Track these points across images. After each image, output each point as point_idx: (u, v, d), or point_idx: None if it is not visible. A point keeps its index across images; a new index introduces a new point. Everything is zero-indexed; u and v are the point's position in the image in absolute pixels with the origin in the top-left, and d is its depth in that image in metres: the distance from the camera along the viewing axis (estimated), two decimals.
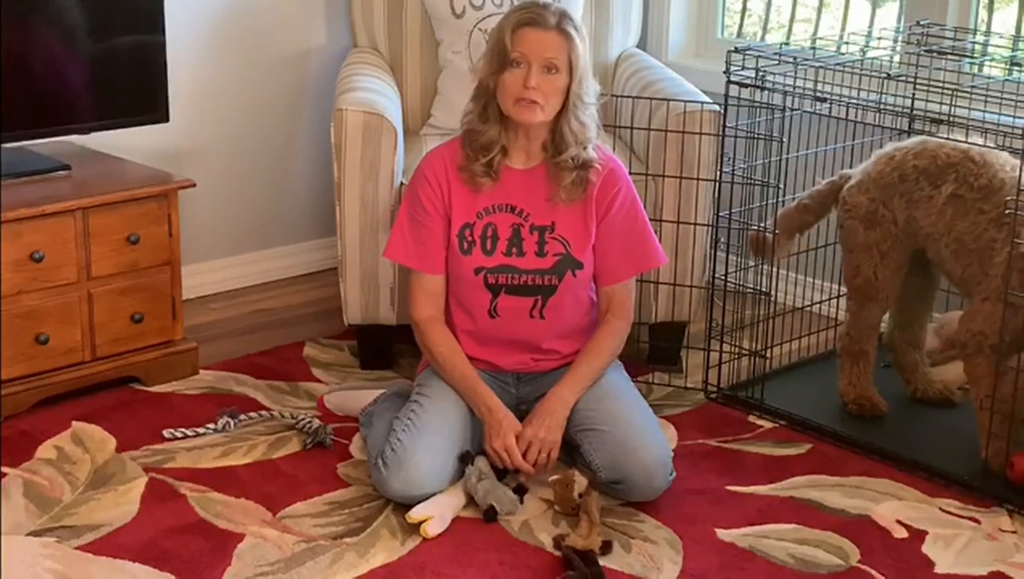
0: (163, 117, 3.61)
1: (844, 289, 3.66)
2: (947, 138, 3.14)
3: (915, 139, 3.25)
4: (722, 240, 3.45)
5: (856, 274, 3.33)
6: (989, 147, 3.09)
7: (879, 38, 3.59)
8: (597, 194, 3.02)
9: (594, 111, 3.01)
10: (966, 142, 3.12)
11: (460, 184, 3.02)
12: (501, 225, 3.02)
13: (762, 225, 3.42)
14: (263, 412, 3.33)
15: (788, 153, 3.40)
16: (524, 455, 2.95)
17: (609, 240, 3.04)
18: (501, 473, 2.97)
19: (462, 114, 3.04)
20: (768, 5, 4.48)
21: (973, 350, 3.07)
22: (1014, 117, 3.08)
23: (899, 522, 2.93)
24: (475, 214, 3.02)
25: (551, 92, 2.91)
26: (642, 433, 2.94)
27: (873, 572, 2.74)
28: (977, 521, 2.94)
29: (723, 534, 2.87)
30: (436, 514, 2.83)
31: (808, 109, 3.39)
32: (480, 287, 3.03)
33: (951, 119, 3.05)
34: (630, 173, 3.14)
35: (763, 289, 3.47)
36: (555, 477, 2.94)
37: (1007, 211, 2.96)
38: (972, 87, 3.18)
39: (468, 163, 3.00)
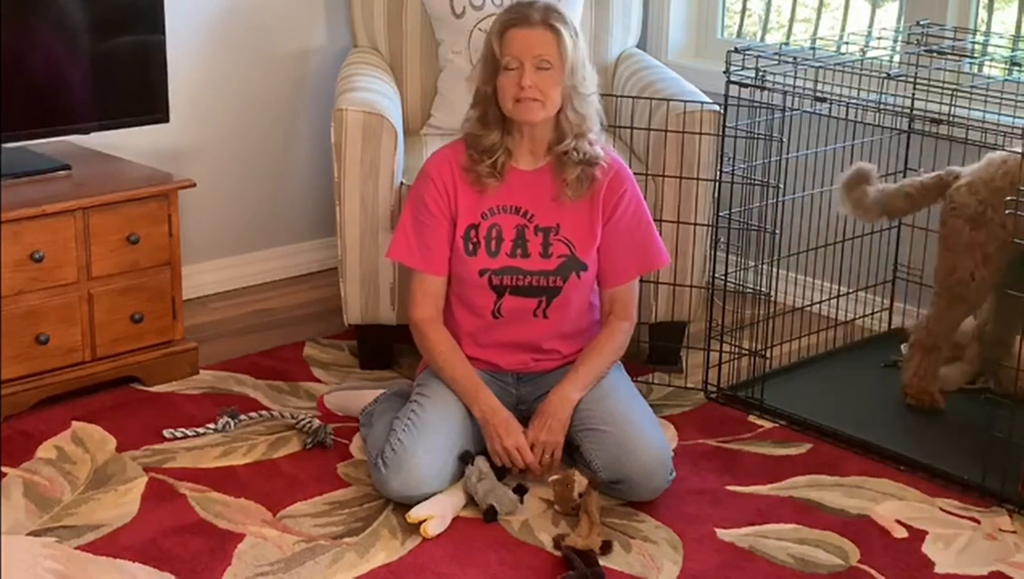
0: (163, 117, 3.61)
1: (848, 289, 3.67)
2: (947, 138, 3.14)
3: None
4: (722, 240, 3.45)
5: (951, 273, 3.28)
6: None
7: (879, 38, 3.59)
8: (604, 195, 3.01)
9: (595, 101, 2.99)
10: (1005, 149, 3.07)
11: (466, 185, 3.01)
12: (506, 226, 3.02)
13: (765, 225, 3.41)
14: (263, 412, 3.33)
15: (788, 153, 3.39)
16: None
17: (614, 241, 3.04)
18: (501, 473, 2.97)
19: (463, 120, 3.04)
20: (768, 5, 4.48)
21: None
22: (1014, 117, 3.08)
23: (899, 522, 2.93)
24: (480, 215, 3.02)
25: (548, 88, 2.90)
26: (642, 433, 2.94)
27: (873, 572, 2.74)
28: (977, 521, 2.94)
29: (723, 534, 2.87)
30: (436, 514, 2.83)
31: (808, 109, 3.39)
32: (484, 288, 3.03)
33: (951, 119, 3.05)
34: None
35: (763, 289, 3.47)
36: (555, 477, 2.94)
37: (1007, 211, 2.96)
38: (972, 87, 3.18)
39: (473, 164, 3.00)
